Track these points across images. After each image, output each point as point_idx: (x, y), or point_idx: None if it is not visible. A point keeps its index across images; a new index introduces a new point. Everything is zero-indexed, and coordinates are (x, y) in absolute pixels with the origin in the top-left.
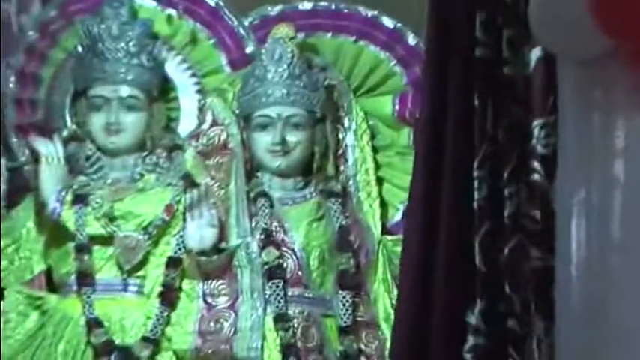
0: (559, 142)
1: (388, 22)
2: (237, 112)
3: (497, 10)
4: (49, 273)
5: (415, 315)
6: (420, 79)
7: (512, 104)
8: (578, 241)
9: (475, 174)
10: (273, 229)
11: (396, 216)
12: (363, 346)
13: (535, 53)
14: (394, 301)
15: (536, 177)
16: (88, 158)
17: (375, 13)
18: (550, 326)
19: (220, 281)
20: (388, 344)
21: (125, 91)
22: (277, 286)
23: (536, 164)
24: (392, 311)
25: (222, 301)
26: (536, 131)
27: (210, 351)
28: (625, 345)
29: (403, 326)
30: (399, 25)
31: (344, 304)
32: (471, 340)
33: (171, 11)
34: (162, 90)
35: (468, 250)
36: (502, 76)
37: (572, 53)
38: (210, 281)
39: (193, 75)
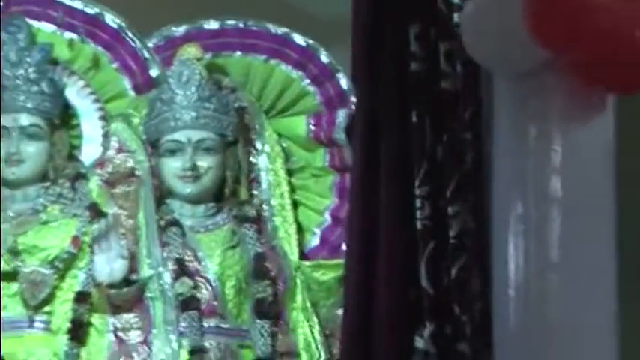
0: (495, 157)
1: (299, 39)
2: (144, 137)
3: (432, 21)
4: None
5: (358, 347)
6: (334, 98)
7: (451, 120)
8: (516, 261)
9: (417, 192)
10: (186, 258)
11: (313, 240)
12: None
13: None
14: (313, 329)
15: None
16: None
17: (286, 30)
18: (489, 351)
19: (132, 314)
20: None
21: (26, 119)
22: (192, 318)
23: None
24: (312, 340)
25: (135, 336)
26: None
27: None
28: None
29: (347, 356)
30: (310, 42)
31: (262, 334)
32: None
33: (72, 35)
34: (64, 117)
35: (413, 272)
36: (440, 91)
37: (507, 66)
38: (121, 315)
39: (96, 100)
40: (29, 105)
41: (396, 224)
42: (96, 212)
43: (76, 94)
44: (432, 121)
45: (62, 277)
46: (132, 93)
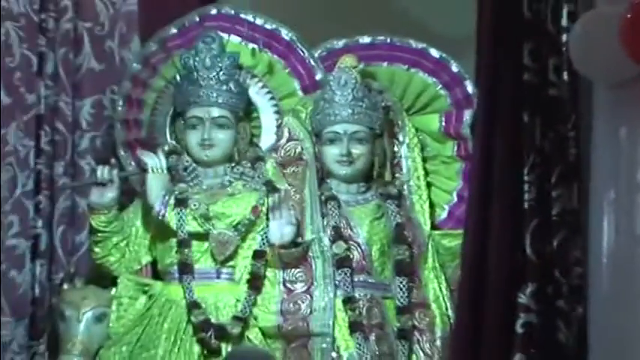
0: (593, 152)
1: (435, 52)
2: (310, 129)
3: (543, 41)
4: (154, 264)
5: (472, 300)
6: (462, 100)
7: (557, 120)
8: (609, 235)
9: (525, 178)
10: (342, 226)
11: (442, 214)
12: (416, 323)
13: (565, 77)
14: (442, 286)
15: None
16: (185, 169)
17: (424, 45)
18: (585, 307)
19: (298, 270)
20: (437, 321)
21: (216, 112)
22: (345, 274)
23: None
24: (440, 294)
25: (300, 287)
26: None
27: (290, 328)
28: None
29: (463, 307)
30: (444, 55)
31: (400, 289)
32: (522, 317)
33: (254, 46)
34: (246, 111)
35: (520, 242)
36: (548, 97)
37: (605, 77)
38: (289, 270)
39: (272, 98)
40: (220, 100)
41: (507, 203)
42: (271, 187)
43: (256, 93)
44: (542, 121)
45: (244, 239)
46: (300, 93)
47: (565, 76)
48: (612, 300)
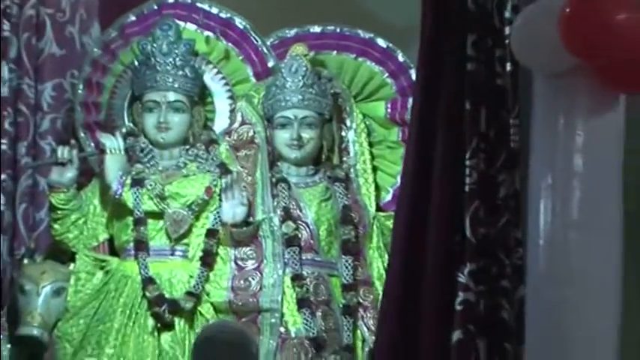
0: (532, 139)
1: (382, 42)
2: (262, 113)
3: (487, 33)
4: (111, 241)
5: (405, 278)
6: (407, 88)
7: (501, 109)
8: (545, 218)
9: (467, 163)
10: (291, 207)
11: (387, 197)
12: (361, 300)
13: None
14: (385, 264)
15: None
16: (142, 150)
17: (372, 35)
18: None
19: (249, 248)
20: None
21: (172, 96)
22: (294, 252)
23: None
24: (383, 272)
25: (250, 264)
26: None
27: (240, 303)
28: (582, 300)
29: (394, 284)
30: (390, 45)
31: (346, 267)
32: (461, 295)
33: (209, 33)
34: (201, 96)
35: (459, 224)
36: (493, 87)
37: (545, 68)
38: (240, 248)
39: (226, 84)
40: (176, 85)
41: (446, 186)
42: (224, 169)
43: (210, 78)
44: (486, 109)
45: (197, 218)
46: (253, 79)
47: (508, 66)
48: (547, 279)
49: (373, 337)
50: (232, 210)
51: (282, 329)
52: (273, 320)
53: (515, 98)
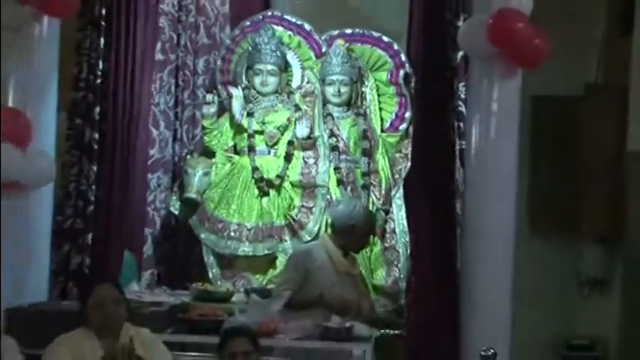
0: (469, 92)
1: (385, 38)
2: (318, 77)
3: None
4: (234, 146)
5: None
6: (399, 64)
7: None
8: (475, 137)
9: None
10: (334, 129)
11: (386, 125)
12: (372, 181)
13: (458, 55)
14: (385, 162)
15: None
16: (253, 96)
17: (379, 34)
18: None
19: (310, 151)
20: (383, 181)
21: (269, 67)
22: (335, 154)
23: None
24: (384, 166)
25: (311, 161)
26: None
27: (305, 181)
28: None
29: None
30: (390, 40)
31: (364, 163)
32: None
33: (289, 32)
34: (285, 66)
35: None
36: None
37: (478, 54)
38: (306, 151)
39: (299, 60)
40: (271, 60)
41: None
42: (297, 107)
43: (290, 57)
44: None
45: (282, 133)
46: (314, 58)
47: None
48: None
49: (378, 201)
50: (301, 129)
51: (328, 197)
52: (323, 192)
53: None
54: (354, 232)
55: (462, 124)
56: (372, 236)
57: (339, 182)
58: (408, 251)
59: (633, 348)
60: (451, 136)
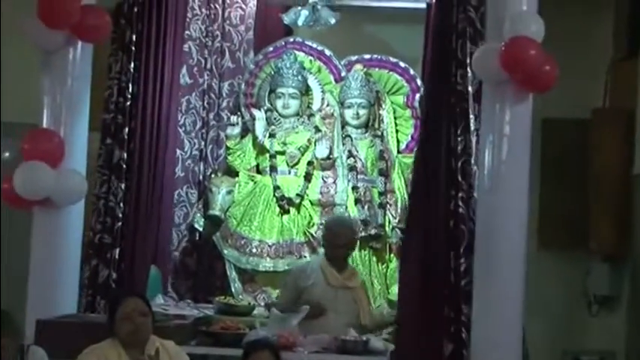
0: (482, 116)
1: (402, 64)
2: (338, 100)
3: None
4: (257, 166)
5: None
6: (415, 89)
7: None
8: (488, 158)
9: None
10: (352, 150)
11: (402, 146)
12: (388, 200)
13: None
14: (401, 182)
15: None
16: (275, 118)
17: (396, 60)
18: None
19: (329, 171)
20: (399, 200)
21: (291, 90)
22: (353, 174)
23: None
24: (401, 186)
25: (330, 180)
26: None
27: (324, 200)
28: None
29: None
30: (406, 65)
31: (380, 183)
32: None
33: (310, 57)
34: (306, 90)
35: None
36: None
37: (490, 79)
38: (325, 171)
39: (319, 84)
40: (293, 84)
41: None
42: (317, 129)
43: (311, 81)
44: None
45: (303, 154)
46: (334, 82)
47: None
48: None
49: (394, 219)
50: (321, 150)
51: (345, 214)
52: (341, 210)
53: (477, 97)
54: (329, 242)
55: (473, 146)
56: (353, 244)
57: (357, 201)
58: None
59: None
60: (452, 161)
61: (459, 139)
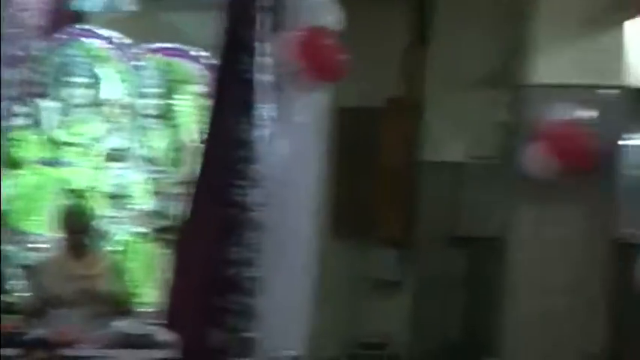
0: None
1: (197, 51)
2: (131, 89)
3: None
4: (45, 157)
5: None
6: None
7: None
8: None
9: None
10: (146, 140)
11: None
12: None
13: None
14: None
15: None
16: (64, 108)
17: (192, 47)
18: None
19: (122, 163)
20: None
21: (80, 79)
22: (146, 164)
23: None
24: None
25: (123, 172)
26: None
27: (117, 192)
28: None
29: None
30: (206, 54)
31: (175, 173)
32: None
33: (102, 45)
34: (97, 80)
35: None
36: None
37: (285, 68)
38: (118, 162)
39: (111, 73)
40: (81, 73)
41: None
42: (109, 119)
43: (101, 70)
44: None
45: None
46: (127, 71)
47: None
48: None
49: None
50: (114, 141)
51: (137, 206)
52: (132, 201)
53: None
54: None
55: (263, 136)
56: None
57: (150, 192)
58: None
59: (421, 346)
60: (237, 151)
61: (245, 128)
